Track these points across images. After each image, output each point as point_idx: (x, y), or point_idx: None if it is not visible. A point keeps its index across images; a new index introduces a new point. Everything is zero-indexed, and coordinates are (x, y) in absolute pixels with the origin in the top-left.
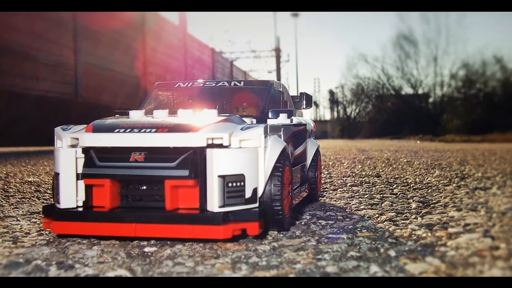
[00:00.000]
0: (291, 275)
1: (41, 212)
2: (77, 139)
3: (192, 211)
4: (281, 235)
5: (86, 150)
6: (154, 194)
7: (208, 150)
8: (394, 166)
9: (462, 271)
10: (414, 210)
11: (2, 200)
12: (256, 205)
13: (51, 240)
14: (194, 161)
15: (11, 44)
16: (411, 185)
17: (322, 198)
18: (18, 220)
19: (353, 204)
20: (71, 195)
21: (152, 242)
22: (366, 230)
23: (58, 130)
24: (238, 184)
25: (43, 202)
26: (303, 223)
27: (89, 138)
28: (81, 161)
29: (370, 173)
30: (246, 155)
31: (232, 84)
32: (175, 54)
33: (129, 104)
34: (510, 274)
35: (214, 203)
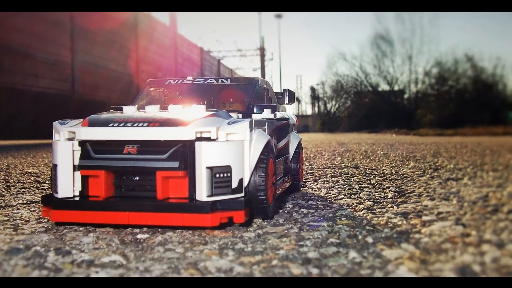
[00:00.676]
0: (275, 261)
1: (40, 201)
2: (74, 132)
3: (182, 200)
4: (266, 223)
5: (82, 143)
6: (146, 185)
7: (197, 143)
8: (371, 158)
9: (435, 256)
10: (390, 200)
11: (3, 190)
12: (242, 194)
13: (49, 227)
14: (183, 153)
15: (12, 44)
16: (388, 176)
17: (304, 188)
18: (18, 209)
19: (333, 194)
20: (68, 185)
21: (145, 229)
22: (345, 218)
23: (56, 124)
24: (225, 175)
25: (42, 192)
26: (286, 211)
27: (85, 132)
28: (77, 154)
29: (349, 164)
30: (232, 147)
31: (220, 81)
32: (166, 53)
33: (123, 100)
34: (480, 260)
35: (202, 193)
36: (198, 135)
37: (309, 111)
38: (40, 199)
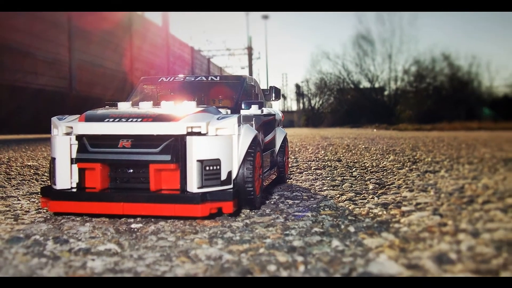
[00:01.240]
0: (262, 249)
1: (39, 193)
2: (72, 127)
3: (174, 191)
4: (253, 213)
5: (79, 138)
6: (140, 177)
7: (188, 137)
8: (353, 151)
9: (414, 245)
10: (371, 191)
11: (4, 182)
12: (231, 186)
13: (48, 217)
14: (175, 147)
15: (12, 43)
16: (369, 169)
17: (289, 180)
18: (18, 200)
19: (317, 186)
20: (66, 178)
21: (138, 219)
22: (328, 209)
23: (54, 119)
24: (215, 167)
25: (41, 184)
26: (272, 202)
27: (82, 127)
28: (75, 147)
29: (332, 158)
30: (221, 142)
31: (209, 79)
32: (159, 52)
33: (118, 97)
34: (457, 248)
35: (193, 185)
36: (189, 130)
37: (294, 107)
38: (39, 190)
